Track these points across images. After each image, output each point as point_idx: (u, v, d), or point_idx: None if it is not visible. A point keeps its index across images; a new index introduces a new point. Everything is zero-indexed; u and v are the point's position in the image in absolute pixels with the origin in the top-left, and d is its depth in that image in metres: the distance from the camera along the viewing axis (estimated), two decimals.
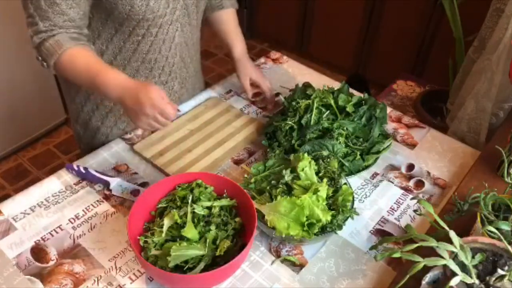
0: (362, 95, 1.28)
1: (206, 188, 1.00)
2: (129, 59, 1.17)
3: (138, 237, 0.93)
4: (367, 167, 1.16)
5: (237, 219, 0.97)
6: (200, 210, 0.94)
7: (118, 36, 1.12)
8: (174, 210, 0.94)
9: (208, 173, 1.06)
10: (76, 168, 1.14)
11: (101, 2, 1.04)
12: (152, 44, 1.15)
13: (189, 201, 0.95)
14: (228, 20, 1.37)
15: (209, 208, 0.96)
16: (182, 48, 1.23)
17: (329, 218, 0.95)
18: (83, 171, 1.13)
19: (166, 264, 0.87)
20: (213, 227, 0.92)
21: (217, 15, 1.35)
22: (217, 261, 0.90)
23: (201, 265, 0.89)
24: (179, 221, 0.92)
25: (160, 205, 0.99)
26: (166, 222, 0.93)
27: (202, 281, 0.90)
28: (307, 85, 1.31)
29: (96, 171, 1.13)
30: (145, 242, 0.92)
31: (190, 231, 0.90)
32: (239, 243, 0.94)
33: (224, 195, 1.00)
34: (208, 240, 0.90)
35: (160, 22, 1.11)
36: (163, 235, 0.92)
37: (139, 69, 1.20)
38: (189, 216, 0.92)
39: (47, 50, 1.00)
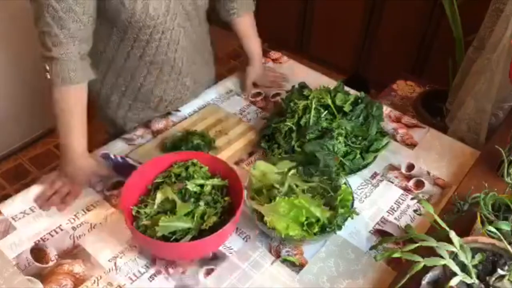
0: (358, 93, 1.28)
1: (201, 167, 1.03)
2: (138, 63, 1.21)
3: (131, 207, 0.97)
4: (367, 165, 1.16)
5: (226, 198, 1.00)
6: (192, 187, 0.98)
7: (125, 42, 1.16)
8: (168, 186, 0.99)
9: (204, 153, 1.10)
10: (113, 157, 1.10)
11: (106, 11, 1.07)
12: (157, 48, 1.19)
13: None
14: (244, 26, 1.42)
15: (202, 186, 1.00)
16: (188, 49, 1.26)
17: (327, 215, 0.95)
18: (120, 160, 1.11)
19: (155, 234, 0.91)
20: (202, 203, 0.96)
21: (234, 21, 1.39)
22: (204, 235, 0.92)
23: (188, 237, 0.92)
24: (171, 197, 0.95)
25: (156, 180, 1.03)
26: (159, 196, 0.97)
27: (186, 250, 0.93)
28: (303, 86, 1.31)
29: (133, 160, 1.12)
30: (138, 212, 0.97)
31: (182, 209, 0.94)
32: (227, 221, 0.95)
33: (217, 176, 1.04)
34: (196, 215, 0.94)
35: (161, 28, 1.15)
36: (155, 207, 0.96)
37: (149, 70, 1.23)
38: (177, 196, 0.96)
39: (61, 73, 1.03)
